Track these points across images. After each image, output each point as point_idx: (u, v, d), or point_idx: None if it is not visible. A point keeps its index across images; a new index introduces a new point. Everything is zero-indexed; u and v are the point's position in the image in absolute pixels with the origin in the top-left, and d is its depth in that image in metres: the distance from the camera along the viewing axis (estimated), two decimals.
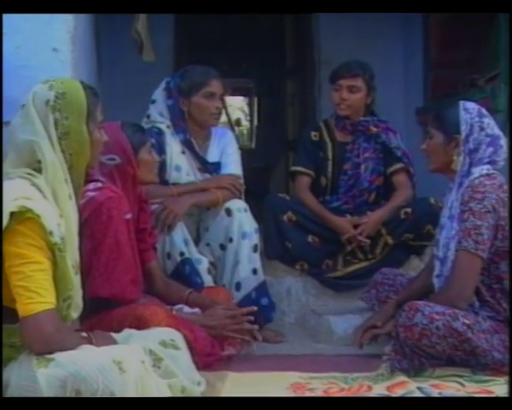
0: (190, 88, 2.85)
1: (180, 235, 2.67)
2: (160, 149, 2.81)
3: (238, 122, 14.32)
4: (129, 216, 2.17)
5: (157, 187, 2.70)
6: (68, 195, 1.72)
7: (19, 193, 1.61)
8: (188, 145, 2.89)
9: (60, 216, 1.68)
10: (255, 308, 2.35)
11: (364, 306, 2.74)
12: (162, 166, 2.78)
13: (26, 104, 1.73)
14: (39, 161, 1.70)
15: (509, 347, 2.13)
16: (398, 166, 3.23)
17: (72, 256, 1.69)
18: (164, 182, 2.81)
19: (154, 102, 2.94)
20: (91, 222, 2.04)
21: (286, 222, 3.14)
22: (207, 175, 2.91)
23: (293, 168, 3.34)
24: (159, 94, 2.93)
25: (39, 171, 1.69)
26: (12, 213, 1.57)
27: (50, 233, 1.61)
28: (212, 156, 2.95)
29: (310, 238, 3.16)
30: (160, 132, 2.87)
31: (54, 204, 1.68)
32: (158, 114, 2.91)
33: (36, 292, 1.55)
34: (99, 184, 2.14)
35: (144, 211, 2.43)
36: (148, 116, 2.94)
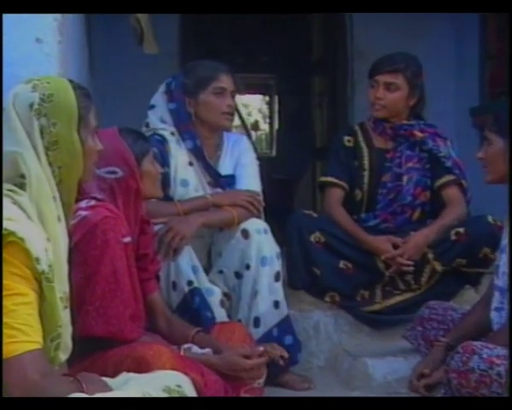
0: (196, 84, 2.88)
1: (188, 261, 2.68)
2: (163, 160, 2.84)
3: (255, 126, 14.39)
4: (128, 240, 2.17)
5: (160, 204, 2.73)
6: (57, 215, 1.72)
7: (4, 213, 1.61)
8: (197, 155, 2.92)
9: (47, 240, 1.68)
10: (286, 354, 2.34)
11: (408, 346, 2.73)
12: (165, 181, 2.80)
13: (6, 108, 1.74)
14: (22, 176, 1.70)
15: (509, 347, 2.12)
16: (448, 178, 3.23)
17: (60, 287, 1.69)
18: (168, 199, 2.84)
19: (152, 107, 2.97)
20: (83, 247, 2.04)
21: (313, 244, 3.15)
22: (219, 190, 2.93)
23: (323, 179, 3.35)
24: (158, 98, 2.97)
25: (22, 187, 1.69)
26: None
27: (37, 260, 1.61)
28: (224, 168, 2.97)
29: (342, 264, 3.16)
30: (163, 140, 2.90)
31: (39, 226, 1.68)
32: (158, 120, 2.94)
33: (19, 330, 1.55)
34: (92, 202, 2.15)
35: (145, 233, 2.44)
36: (147, 124, 2.97)
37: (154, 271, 2.48)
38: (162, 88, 2.97)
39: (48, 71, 2.48)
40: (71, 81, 1.82)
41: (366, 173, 3.28)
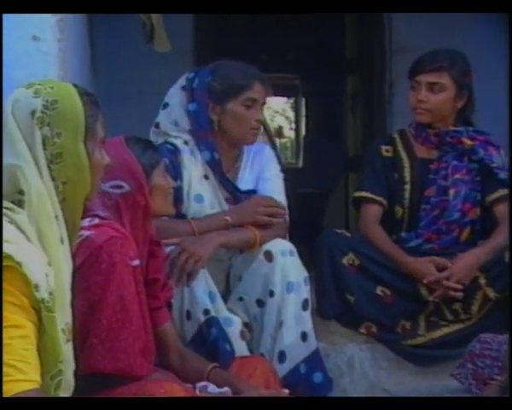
0: (227, 91, 2.89)
1: (203, 287, 2.69)
2: (175, 172, 2.86)
3: (279, 132, 14.40)
4: (136, 263, 2.19)
5: (172, 222, 2.75)
6: (59, 237, 1.74)
7: None
8: (214, 167, 2.93)
9: (48, 264, 1.69)
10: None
11: (457, 386, 2.72)
12: (177, 196, 2.82)
13: (3, 116, 1.75)
14: (21, 192, 1.71)
15: (509, 346, 2.10)
16: (502, 192, 3.22)
17: (62, 318, 1.70)
18: (180, 216, 2.85)
19: (166, 106, 2.99)
20: (87, 271, 2.05)
21: (346, 268, 3.16)
22: None
23: (357, 195, 3.36)
24: (175, 95, 2.98)
25: (21, 204, 1.71)
26: None
27: (36, 287, 1.62)
28: (244, 182, 2.99)
29: (379, 290, 3.16)
30: (175, 150, 2.92)
31: (40, 248, 1.69)
32: (171, 122, 2.96)
33: (15, 367, 1.55)
34: (96, 221, 2.17)
35: (155, 256, 2.45)
36: (157, 125, 3.00)
37: (165, 298, 2.49)
38: (181, 82, 2.99)
39: (46, 72, 2.52)
40: (75, 86, 1.84)
41: (407, 187, 3.28)
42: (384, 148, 3.35)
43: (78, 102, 1.79)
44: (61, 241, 1.75)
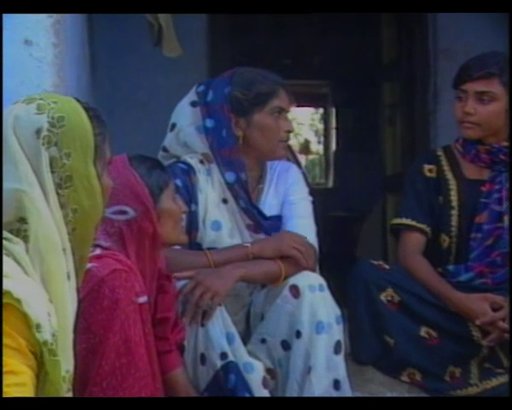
0: (252, 100, 2.92)
1: (220, 327, 2.70)
2: (189, 195, 2.89)
3: (306, 148, 14.36)
4: (143, 299, 2.21)
5: (185, 253, 2.77)
6: (66, 273, 1.75)
7: None
8: (238, 190, 2.95)
9: (49, 301, 1.70)
10: None
11: None
12: (191, 223, 2.85)
13: (4, 134, 1.77)
14: (22, 219, 1.73)
15: (510, 346, 2.04)
16: None
17: (64, 364, 1.71)
18: (194, 246, 2.87)
19: (173, 127, 3.03)
20: (87, 310, 2.07)
21: (385, 305, 3.16)
22: (261, 236, 2.96)
23: (397, 222, 3.36)
24: (182, 113, 3.02)
25: (18, 233, 1.72)
26: None
27: (37, 327, 1.63)
28: (268, 207, 3.01)
29: (423, 331, 3.16)
30: (189, 170, 2.94)
31: (39, 284, 1.71)
32: (181, 145, 3.00)
33: None
34: (97, 251, 2.20)
35: (165, 291, 2.47)
36: (165, 149, 3.03)
37: (176, 340, 2.51)
38: (190, 98, 3.02)
39: (39, 80, 2.57)
40: (78, 101, 1.86)
41: (454, 213, 3.28)
42: (427, 167, 3.34)
43: (85, 118, 1.82)
44: (68, 277, 1.77)
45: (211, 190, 2.95)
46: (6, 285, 1.62)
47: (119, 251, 2.28)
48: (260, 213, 2.98)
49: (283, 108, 2.94)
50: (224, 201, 2.96)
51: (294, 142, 11.62)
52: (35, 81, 2.58)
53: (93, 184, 1.80)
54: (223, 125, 2.93)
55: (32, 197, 1.73)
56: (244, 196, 2.94)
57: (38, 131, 1.76)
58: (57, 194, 1.76)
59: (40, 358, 1.65)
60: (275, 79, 2.97)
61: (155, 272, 2.43)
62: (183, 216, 2.58)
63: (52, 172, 1.76)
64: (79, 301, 2.05)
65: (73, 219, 1.78)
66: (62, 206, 1.77)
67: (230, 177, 2.94)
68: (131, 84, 4.69)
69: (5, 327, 1.61)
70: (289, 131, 2.97)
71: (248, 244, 2.88)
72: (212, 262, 2.80)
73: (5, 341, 1.60)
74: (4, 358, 1.60)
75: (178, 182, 2.80)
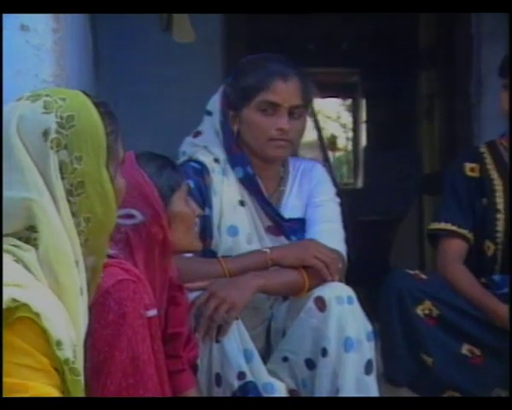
0: (239, 95, 2.96)
1: (238, 343, 2.69)
2: (202, 197, 2.90)
3: (333, 144, 14.36)
4: (153, 313, 2.20)
5: (198, 262, 2.77)
6: (79, 287, 1.75)
7: (5, 277, 1.63)
8: (250, 188, 2.97)
9: (66, 313, 1.71)
10: None
11: None
12: (205, 228, 2.85)
13: (6, 135, 1.76)
14: (32, 228, 1.73)
15: (510, 346, 2.31)
16: None
17: None
18: (209, 253, 2.88)
19: (210, 113, 3.06)
20: (91, 324, 2.06)
21: (422, 320, 3.16)
22: (283, 239, 2.96)
23: (434, 226, 3.37)
24: (215, 102, 3.05)
25: (29, 240, 1.73)
26: None
27: (58, 344, 1.63)
28: (290, 209, 3.01)
29: (465, 349, 3.16)
30: (202, 170, 2.95)
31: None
32: (215, 133, 3.02)
33: None
34: None
35: (177, 303, 2.47)
36: (198, 134, 3.04)
37: (188, 358, 2.50)
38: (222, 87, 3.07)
39: (37, 70, 2.58)
40: (87, 95, 1.85)
41: (500, 217, 3.28)
42: (469, 166, 3.34)
43: (96, 115, 1.81)
44: (81, 292, 1.77)
45: (226, 192, 2.96)
46: (21, 296, 1.62)
47: (125, 259, 2.27)
48: (278, 214, 2.99)
49: (275, 102, 2.91)
50: (242, 203, 2.97)
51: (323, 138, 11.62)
52: (32, 70, 2.59)
53: (106, 190, 1.81)
54: (224, 119, 2.99)
55: (42, 206, 1.73)
56: (255, 192, 2.96)
57: (46, 133, 1.75)
58: (68, 202, 1.76)
59: (62, 375, 1.66)
60: (271, 69, 2.95)
61: (166, 283, 2.42)
62: (197, 220, 2.56)
63: (62, 178, 1.76)
64: None
65: (86, 228, 1.79)
66: (74, 214, 1.77)
67: (238, 172, 2.97)
68: (138, 74, 4.69)
69: (22, 344, 1.61)
70: (281, 130, 2.92)
71: (267, 250, 2.88)
72: (227, 271, 2.81)
73: (25, 361, 1.61)
74: (26, 382, 1.60)
75: (190, 183, 2.79)
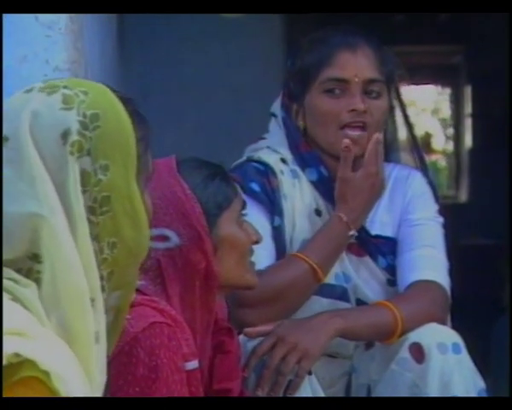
0: (298, 78, 3.00)
1: None
2: (271, 203, 2.94)
3: (427, 144, 14.22)
4: (194, 365, 2.25)
5: (274, 270, 2.82)
6: (94, 333, 1.74)
7: (4, 322, 1.61)
8: (325, 193, 2.99)
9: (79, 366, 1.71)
10: None
11: None
12: (276, 242, 2.90)
13: (13, 138, 1.74)
14: (37, 257, 1.72)
15: (509, 346, 2.36)
16: None
17: None
18: None
19: (274, 115, 3.12)
20: (115, 380, 2.08)
21: None
22: (367, 262, 3.01)
23: None
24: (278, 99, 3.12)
25: (29, 274, 1.72)
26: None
27: None
28: (379, 225, 3.05)
29: None
30: (267, 171, 2.98)
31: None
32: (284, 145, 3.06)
33: None
34: None
35: (226, 351, 2.50)
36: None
37: None
38: None
39: (48, 54, 2.63)
40: (111, 89, 1.84)
41: None
42: None
43: (126, 116, 1.80)
44: (97, 339, 1.76)
45: (299, 198, 3.00)
46: (25, 349, 1.60)
47: (156, 293, 2.29)
48: (363, 227, 2.98)
49: (343, 78, 2.93)
50: (318, 212, 3.01)
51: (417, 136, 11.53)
52: (42, 55, 2.63)
53: (137, 209, 1.80)
54: (285, 113, 3.04)
55: (53, 226, 1.71)
56: (333, 198, 2.93)
57: (65, 135, 1.74)
58: (89, 221, 1.75)
59: None
60: (333, 40, 2.99)
61: (210, 325, 2.43)
62: (252, 247, 2.53)
63: (84, 191, 1.75)
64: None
65: (110, 256, 1.78)
66: (95, 238, 1.76)
67: (311, 174, 3.00)
68: (172, 59, 4.73)
69: None
70: (355, 111, 2.91)
71: (342, 213, 2.88)
72: (314, 264, 2.83)
73: None
74: None
75: (254, 186, 2.86)
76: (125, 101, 1.84)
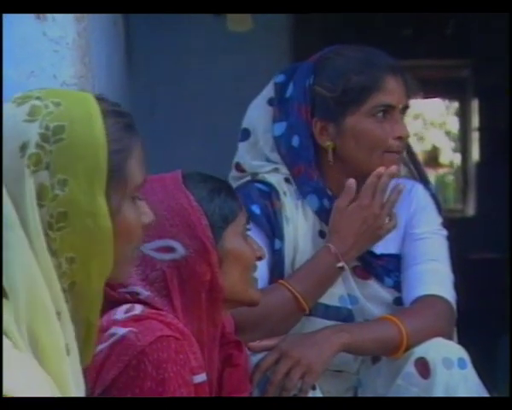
0: (341, 98, 2.93)
1: None
2: (271, 227, 2.93)
3: (434, 158, 14.21)
4: (201, 378, 2.24)
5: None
6: (63, 345, 1.73)
7: None
8: (326, 220, 2.96)
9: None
10: None
11: None
12: (275, 265, 2.89)
13: None
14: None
15: (509, 346, 2.53)
16: None
17: None
18: None
19: (247, 135, 3.09)
20: (123, 394, 2.10)
21: None
22: (372, 285, 3.01)
23: None
24: (258, 114, 3.08)
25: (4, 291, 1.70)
26: None
27: None
28: (383, 243, 3.00)
29: None
30: (270, 193, 2.97)
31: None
32: (261, 159, 3.03)
33: None
34: (137, 311, 2.22)
35: (233, 364, 2.49)
36: (238, 166, 3.09)
37: None
38: (268, 93, 3.08)
39: (56, 69, 2.63)
40: (101, 99, 1.84)
41: None
42: None
43: (99, 129, 1.78)
44: (67, 350, 1.75)
45: (302, 220, 2.99)
46: (7, 387, 1.57)
47: (162, 305, 2.29)
48: (369, 251, 2.98)
49: (391, 104, 2.92)
50: (321, 234, 2.99)
51: (417, 149, 11.52)
52: (49, 70, 2.63)
53: (101, 225, 1.77)
54: (296, 131, 2.98)
55: (11, 241, 1.71)
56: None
57: (24, 147, 1.73)
58: (47, 236, 1.74)
59: None
60: (380, 63, 2.95)
61: (216, 338, 2.42)
62: (256, 263, 2.52)
63: (40, 206, 1.73)
64: (111, 383, 2.11)
65: (70, 271, 1.76)
66: (54, 253, 1.74)
67: (313, 202, 2.98)
68: (179, 72, 4.73)
69: None
70: (401, 138, 2.93)
71: (332, 246, 2.88)
72: (297, 293, 2.83)
73: None
74: None
75: (255, 209, 2.85)
76: (112, 112, 1.83)
